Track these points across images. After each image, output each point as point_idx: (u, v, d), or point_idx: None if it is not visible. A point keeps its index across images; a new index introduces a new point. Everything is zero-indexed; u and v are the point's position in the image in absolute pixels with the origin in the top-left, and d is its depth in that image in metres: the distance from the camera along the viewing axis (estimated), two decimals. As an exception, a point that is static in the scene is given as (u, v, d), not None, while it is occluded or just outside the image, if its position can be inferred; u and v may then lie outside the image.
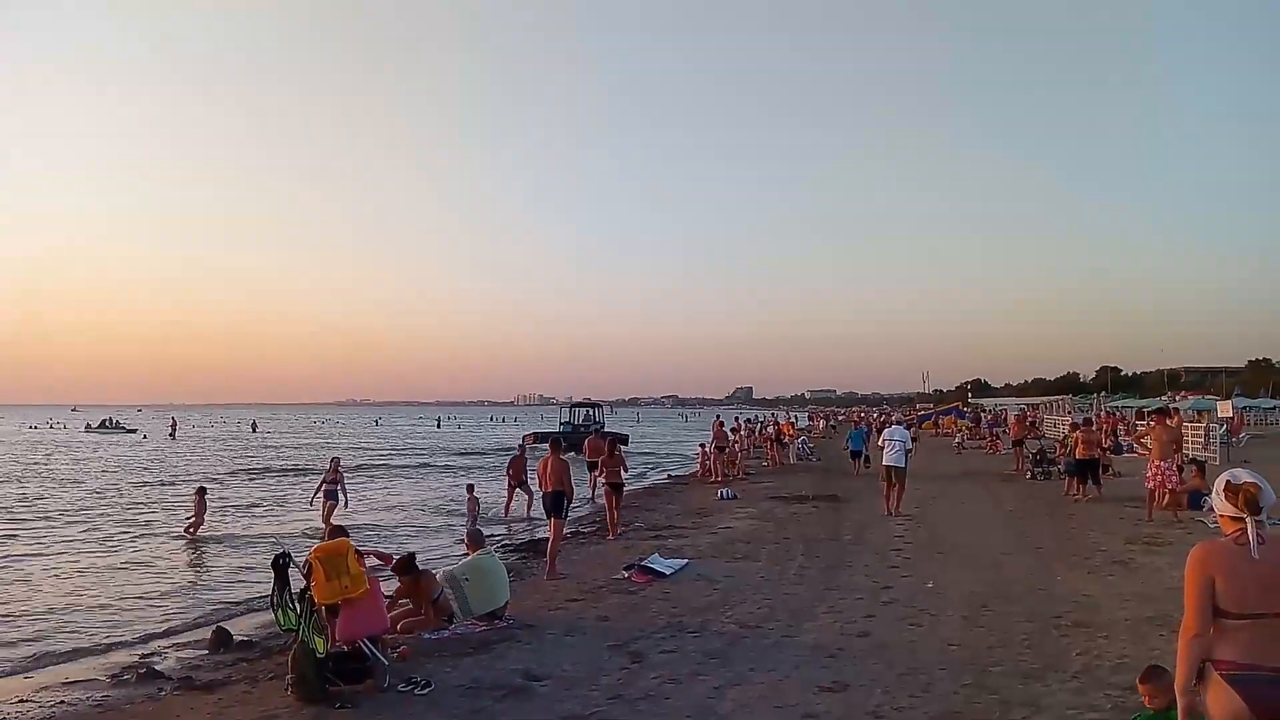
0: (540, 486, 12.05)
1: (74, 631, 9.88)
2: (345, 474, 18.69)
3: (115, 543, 16.56)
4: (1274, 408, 53.03)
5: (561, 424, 49.39)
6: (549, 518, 11.61)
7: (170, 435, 66.40)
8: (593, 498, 21.07)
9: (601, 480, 16.72)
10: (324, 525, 17.12)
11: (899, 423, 20.93)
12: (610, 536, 14.47)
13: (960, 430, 42.88)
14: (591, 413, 52.76)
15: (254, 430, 79.85)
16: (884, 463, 15.94)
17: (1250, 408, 49.42)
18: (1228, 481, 3.25)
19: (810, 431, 50.79)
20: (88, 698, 7.07)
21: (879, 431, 24.90)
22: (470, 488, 18.82)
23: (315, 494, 18.11)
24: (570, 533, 15.41)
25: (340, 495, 17.16)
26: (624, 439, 43.69)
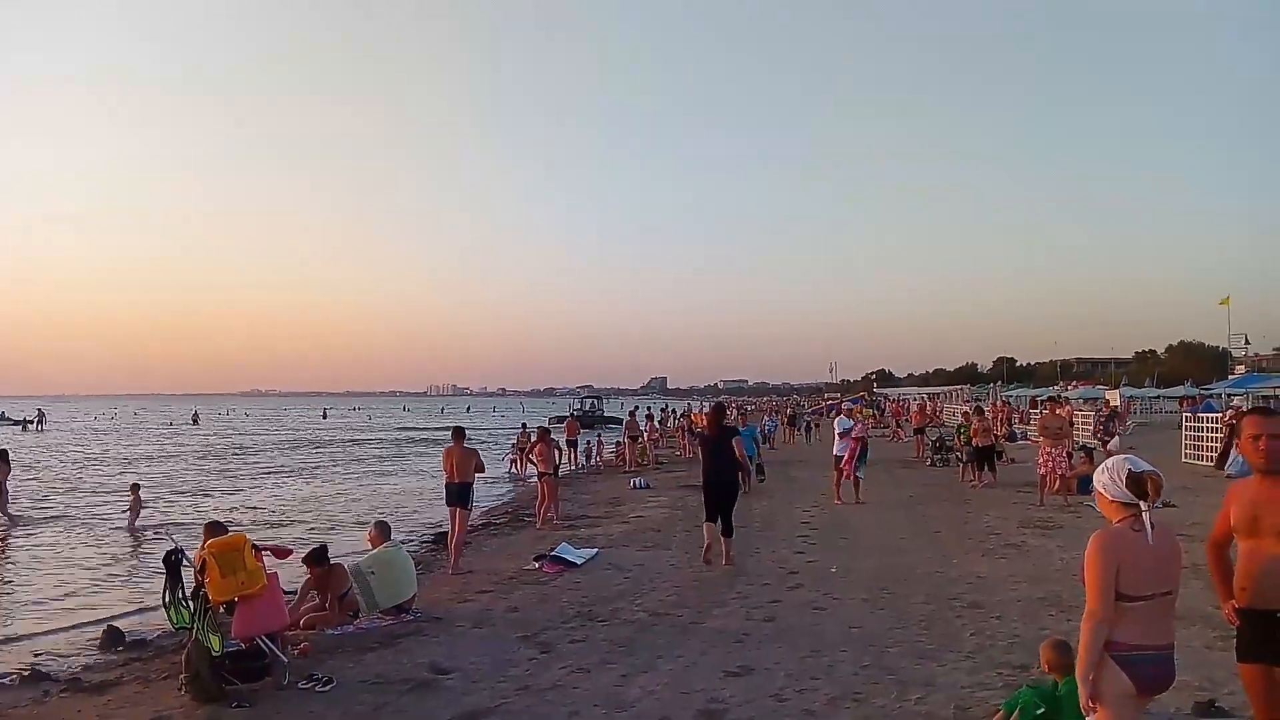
0: (446, 478, 11.33)
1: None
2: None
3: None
4: (1158, 396, 55.79)
5: (572, 410, 58.73)
6: (453, 509, 11.12)
7: (38, 427, 62.76)
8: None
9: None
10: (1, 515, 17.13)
11: (846, 413, 21.52)
12: (539, 525, 14.24)
13: (864, 419, 43.90)
14: (594, 401, 72.61)
15: (195, 423, 76.14)
16: (834, 452, 16.34)
17: (1136, 396, 52.00)
18: (1129, 471, 3.25)
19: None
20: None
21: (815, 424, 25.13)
22: (135, 486, 17.15)
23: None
24: (481, 523, 15.28)
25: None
26: (618, 420, 55.23)
